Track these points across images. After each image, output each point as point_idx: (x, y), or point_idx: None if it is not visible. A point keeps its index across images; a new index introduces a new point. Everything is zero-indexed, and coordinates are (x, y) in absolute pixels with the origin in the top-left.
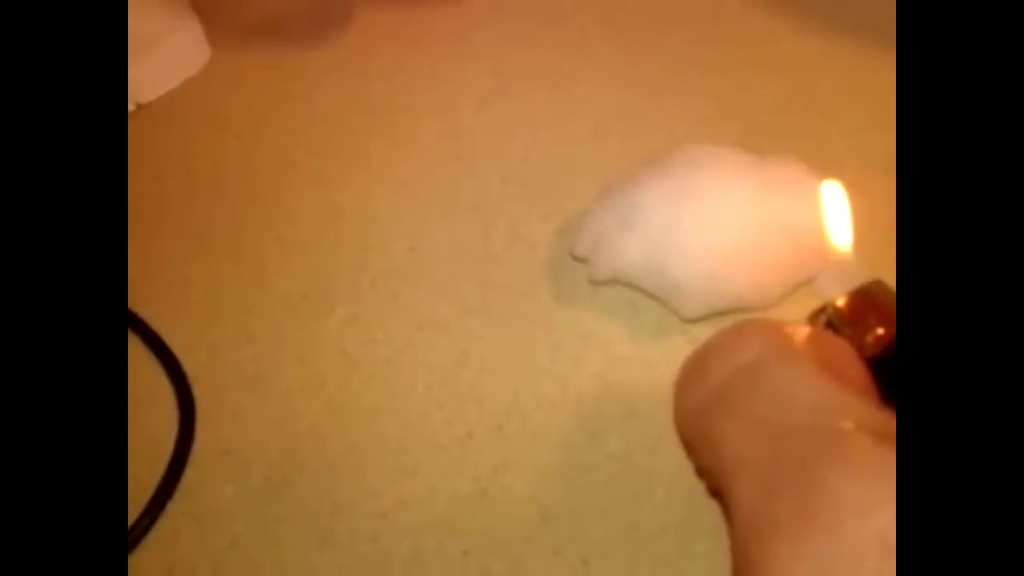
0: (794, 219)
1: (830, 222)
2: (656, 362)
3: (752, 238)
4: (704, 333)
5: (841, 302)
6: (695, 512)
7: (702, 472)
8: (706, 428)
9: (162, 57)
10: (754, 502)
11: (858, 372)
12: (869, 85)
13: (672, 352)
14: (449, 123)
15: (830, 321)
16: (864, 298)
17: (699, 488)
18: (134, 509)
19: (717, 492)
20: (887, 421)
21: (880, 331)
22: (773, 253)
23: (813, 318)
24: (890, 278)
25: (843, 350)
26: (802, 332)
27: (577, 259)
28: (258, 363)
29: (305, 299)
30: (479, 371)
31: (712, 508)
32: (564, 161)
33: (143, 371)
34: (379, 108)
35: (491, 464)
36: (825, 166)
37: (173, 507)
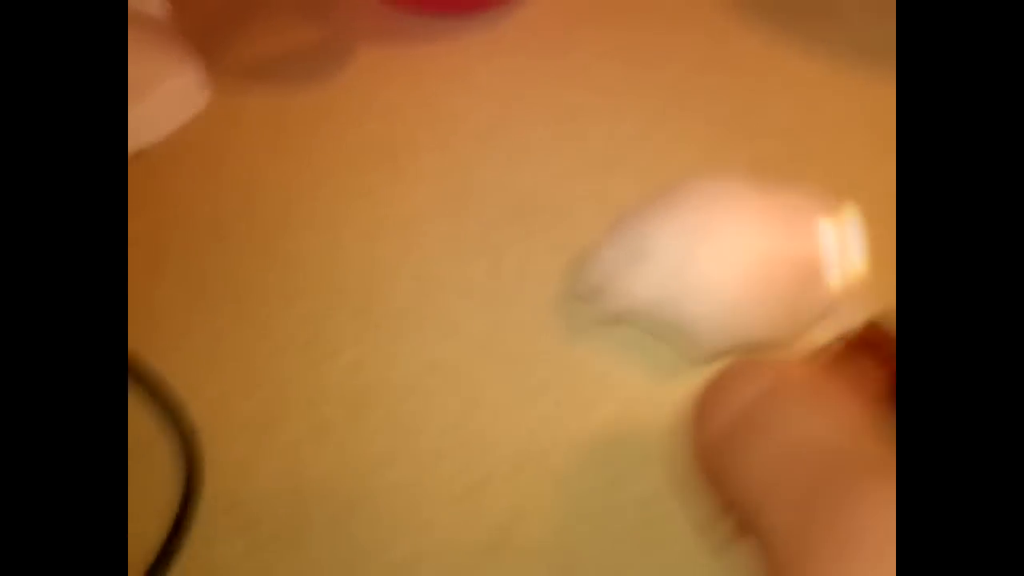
0: (811, 252)
1: (839, 254)
2: (674, 401)
3: (768, 273)
4: None
5: (847, 338)
6: (727, 555)
7: (724, 506)
8: (728, 459)
9: (161, 100)
10: (788, 526)
11: (863, 405)
12: (876, 109)
13: (690, 391)
14: (452, 159)
15: (835, 358)
16: (870, 333)
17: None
18: (139, 567)
19: (742, 526)
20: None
21: (885, 368)
22: (790, 288)
23: (818, 355)
24: None
25: (852, 380)
26: (809, 366)
27: (587, 296)
28: (264, 411)
29: (310, 343)
30: (491, 414)
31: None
32: (571, 194)
33: (146, 422)
34: (380, 146)
35: (508, 513)
36: (835, 192)
37: (180, 565)
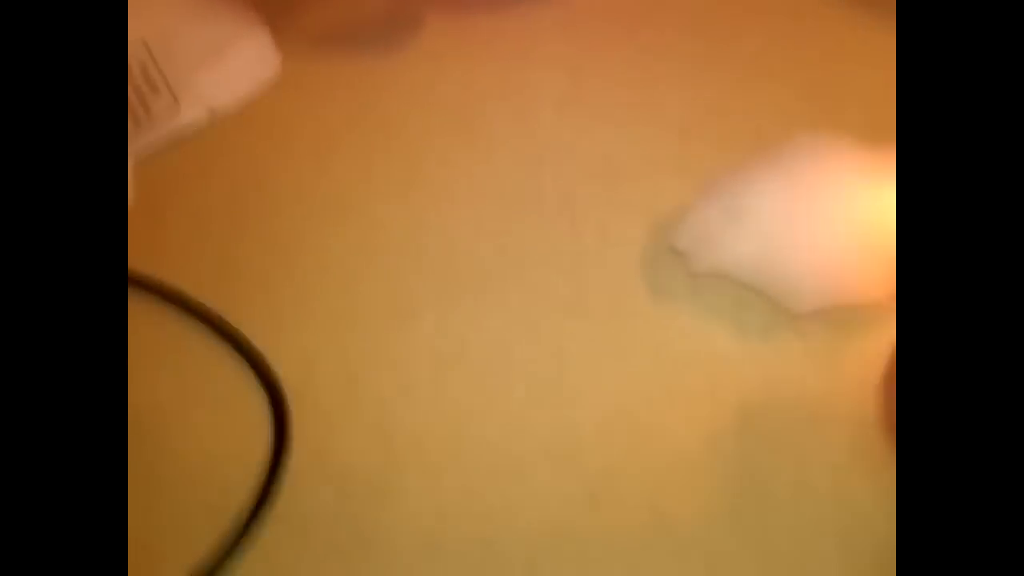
0: None
1: None
2: (767, 360)
3: (870, 231)
4: (817, 329)
5: None
6: (824, 512)
7: None
8: None
9: (231, 65)
10: None
11: None
12: None
13: (783, 350)
14: (527, 125)
15: None
16: None
17: (825, 487)
18: (235, 519)
19: None
20: None
21: None
22: (891, 247)
23: None
24: None
25: None
26: None
27: (678, 253)
28: (350, 368)
29: (393, 303)
30: (579, 372)
31: (843, 507)
32: (649, 158)
33: (235, 379)
34: (454, 113)
35: (600, 468)
36: None
37: (271, 515)
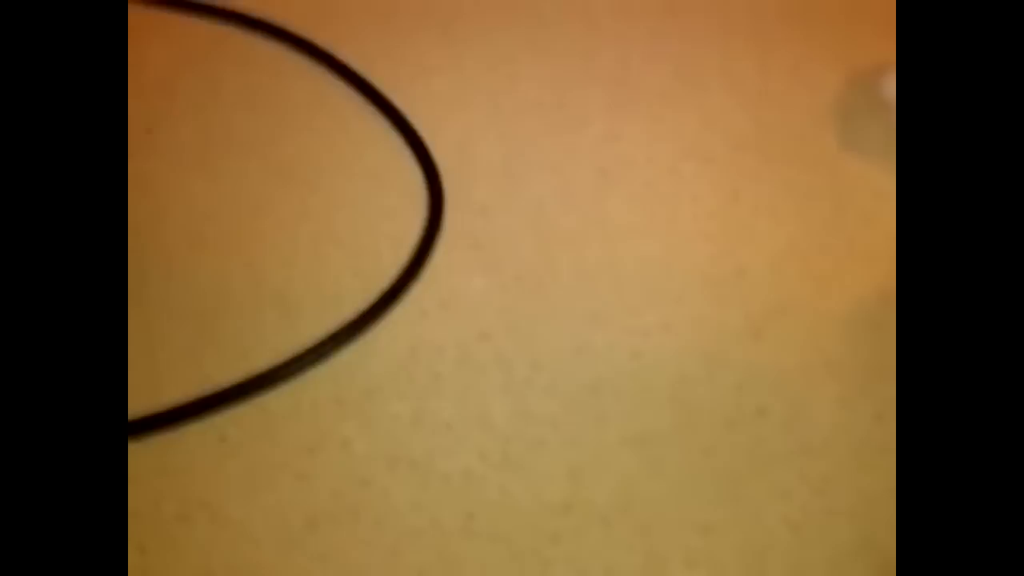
0: None
1: None
2: None
3: None
4: None
5: None
6: None
7: None
8: None
9: None
10: None
11: None
12: None
13: None
14: None
15: None
16: None
17: None
18: (377, 287)
19: None
20: None
21: None
22: None
23: None
24: None
25: None
26: None
27: (883, 106)
28: (508, 164)
29: (560, 108)
30: (752, 210)
31: None
32: (851, 8)
33: (391, 153)
34: None
35: (766, 304)
36: None
37: (419, 290)
